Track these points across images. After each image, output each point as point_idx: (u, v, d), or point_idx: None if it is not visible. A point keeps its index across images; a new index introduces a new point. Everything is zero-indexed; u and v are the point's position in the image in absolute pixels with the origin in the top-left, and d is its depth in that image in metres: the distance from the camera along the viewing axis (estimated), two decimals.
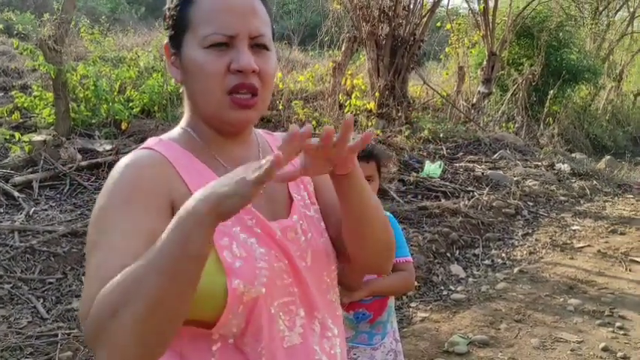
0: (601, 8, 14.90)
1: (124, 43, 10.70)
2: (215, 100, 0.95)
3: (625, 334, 3.61)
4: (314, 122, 7.91)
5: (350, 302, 1.80)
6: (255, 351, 0.91)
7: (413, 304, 4.01)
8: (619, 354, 3.33)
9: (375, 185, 1.90)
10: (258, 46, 0.97)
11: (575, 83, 12.03)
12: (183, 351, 0.92)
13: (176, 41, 0.99)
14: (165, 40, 1.03)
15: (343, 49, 9.34)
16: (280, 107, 8.07)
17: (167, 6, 1.01)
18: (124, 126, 6.25)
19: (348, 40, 9.21)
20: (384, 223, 1.05)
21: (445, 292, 4.26)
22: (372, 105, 8.66)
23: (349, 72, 9.57)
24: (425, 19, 9.56)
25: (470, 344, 3.41)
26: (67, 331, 3.09)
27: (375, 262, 1.11)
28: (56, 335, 3.06)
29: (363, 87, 9.27)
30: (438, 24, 12.23)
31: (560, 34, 12.00)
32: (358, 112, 8.55)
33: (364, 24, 9.01)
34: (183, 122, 1.05)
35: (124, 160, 0.95)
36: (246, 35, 0.95)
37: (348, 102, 8.66)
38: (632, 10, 15.13)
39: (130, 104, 6.79)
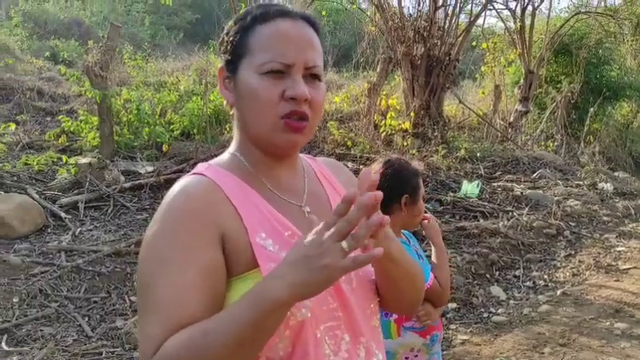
0: None
1: (164, 68, 11.03)
2: (268, 123, 0.99)
3: None
4: (349, 142, 7.96)
5: (428, 327, 1.93)
6: None
7: (452, 326, 3.95)
8: None
9: (401, 219, 1.91)
10: (312, 77, 1.00)
11: (617, 100, 11.74)
12: None
13: (232, 66, 1.03)
14: (221, 64, 1.06)
15: (378, 69, 9.38)
16: (316, 128, 8.13)
17: (225, 31, 1.06)
18: (165, 148, 6.43)
19: (383, 60, 9.25)
20: (415, 285, 1.10)
21: (485, 315, 4.18)
22: (407, 125, 8.65)
23: (384, 92, 9.60)
24: (460, 38, 9.53)
25: None
26: (111, 349, 3.16)
27: (401, 311, 1.21)
28: (100, 353, 3.13)
29: (398, 107, 9.27)
30: (474, 43, 12.17)
31: (600, 50, 11.76)
32: (394, 132, 8.55)
33: (399, 45, 9.05)
34: (232, 147, 1.08)
35: (174, 188, 0.98)
36: (302, 65, 0.98)
37: (383, 122, 8.67)
38: None
39: (171, 127, 6.98)
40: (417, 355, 1.94)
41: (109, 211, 4.96)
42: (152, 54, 12.53)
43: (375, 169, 1.99)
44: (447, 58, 9.24)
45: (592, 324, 3.99)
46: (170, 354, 0.85)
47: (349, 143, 7.96)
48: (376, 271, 1.05)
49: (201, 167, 1.04)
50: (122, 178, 5.46)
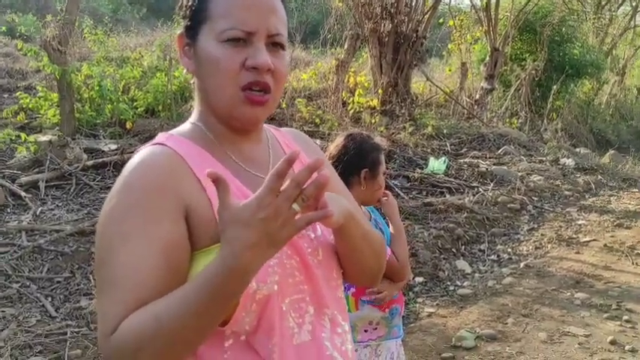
0: (603, 2, 14.85)
1: (127, 44, 10.71)
2: (228, 95, 0.95)
3: (632, 328, 3.60)
4: (317, 120, 7.93)
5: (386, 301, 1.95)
6: (266, 348, 0.91)
7: (420, 300, 4.01)
8: (627, 347, 3.33)
9: (361, 194, 1.89)
10: (274, 45, 0.96)
11: (579, 78, 11.99)
12: None
13: (191, 32, 0.98)
14: (180, 30, 1.01)
15: (346, 46, 9.33)
16: (284, 105, 8.08)
17: None
18: (128, 125, 6.27)
19: (351, 37, 9.21)
20: (376, 252, 1.10)
21: (452, 288, 4.27)
22: (375, 102, 8.66)
23: (352, 69, 9.56)
24: (427, 15, 9.54)
25: (477, 339, 3.41)
26: (76, 329, 3.11)
27: (364, 281, 1.19)
28: (65, 333, 3.08)
29: (366, 84, 9.26)
30: (440, 20, 12.20)
31: (563, 28, 11.94)
32: (362, 109, 8.55)
33: (366, 21, 9.00)
34: (193, 117, 1.04)
35: (134, 160, 0.94)
36: (265, 33, 0.95)
37: (351, 99, 8.65)
38: (634, 4, 15.07)
39: (135, 104, 6.81)
40: (375, 328, 1.96)
41: (71, 190, 4.83)
42: (114, 29, 12.15)
43: (337, 142, 1.98)
44: (415, 35, 9.25)
45: (553, 295, 4.11)
46: (127, 334, 0.82)
47: (317, 120, 7.92)
48: (336, 240, 1.04)
49: (162, 137, 0.99)
50: (84, 156, 5.31)
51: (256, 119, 0.99)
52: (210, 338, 0.89)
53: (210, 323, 0.83)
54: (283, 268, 0.94)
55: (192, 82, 1.03)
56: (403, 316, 3.64)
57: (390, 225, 2.02)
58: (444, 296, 4.11)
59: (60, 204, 4.63)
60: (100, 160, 5.32)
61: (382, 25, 9.00)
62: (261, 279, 0.89)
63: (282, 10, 0.98)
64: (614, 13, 15.05)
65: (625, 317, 3.72)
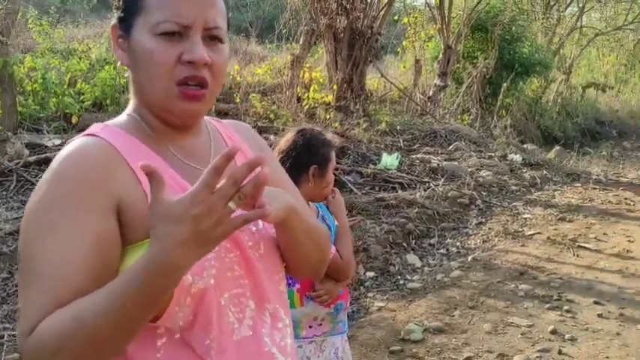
0: (552, 3, 15.32)
1: (74, 35, 10.35)
2: (162, 90, 0.92)
3: (572, 317, 3.75)
4: (272, 115, 7.88)
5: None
6: (202, 344, 0.89)
7: (370, 294, 4.05)
8: (567, 336, 3.46)
9: (309, 190, 1.88)
10: (212, 39, 0.94)
11: (527, 76, 12.31)
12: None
13: (125, 23, 0.95)
14: (114, 21, 0.97)
15: (301, 42, 9.32)
16: (238, 100, 8.00)
17: None
18: (74, 120, 6.07)
19: (306, 33, 9.20)
20: (319, 245, 1.09)
21: (402, 282, 4.32)
22: (330, 98, 8.68)
23: (307, 65, 9.55)
24: (382, 12, 9.62)
25: (425, 331, 3.47)
26: (13, 332, 2.99)
27: (307, 274, 1.20)
28: (2, 337, 2.96)
29: (321, 80, 9.27)
30: (395, 18, 12.34)
31: (513, 28, 12.25)
32: (316, 105, 8.56)
33: (322, 17, 9.00)
34: (129, 108, 1.01)
35: (65, 150, 0.91)
36: (201, 26, 0.92)
37: (306, 95, 8.65)
38: (581, 5, 15.61)
39: (81, 97, 6.59)
40: (320, 324, 1.96)
41: (11, 187, 4.64)
42: (61, 20, 11.73)
43: (288, 137, 1.97)
44: (370, 32, 9.32)
45: (499, 287, 4.23)
46: (46, 333, 0.78)
47: (272, 116, 7.89)
48: (278, 234, 1.02)
49: (96, 128, 0.95)
50: (26, 151, 5.11)
51: (195, 113, 0.97)
52: (140, 337, 0.85)
53: (137, 320, 0.80)
54: (221, 262, 0.92)
55: (126, 75, 1.00)
56: (353, 311, 3.70)
57: (335, 222, 2.02)
58: (394, 290, 4.17)
59: None
60: (43, 155, 5.13)
61: (337, 21, 9.02)
62: (196, 272, 0.86)
63: (221, 2, 0.96)
64: (562, 14, 15.55)
65: (565, 307, 3.86)
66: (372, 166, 6.71)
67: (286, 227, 0.99)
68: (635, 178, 8.91)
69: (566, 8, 15.94)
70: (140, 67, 0.94)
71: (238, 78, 8.82)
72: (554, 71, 13.88)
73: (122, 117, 1.00)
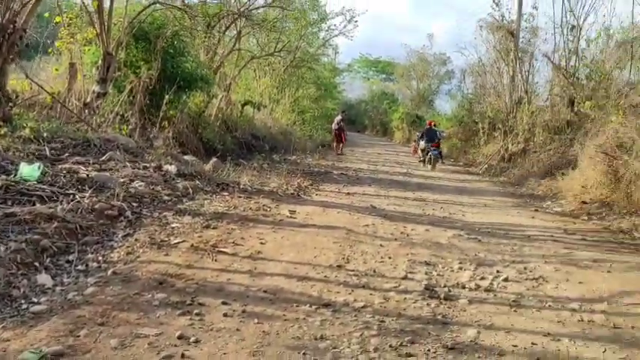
0: (213, 23, 16.35)
1: None
2: None
3: (201, 320, 3.94)
4: None
5: None
6: None
7: None
8: (192, 339, 3.60)
9: None
10: None
11: (190, 90, 12.84)
12: None
13: None
14: None
15: None
16: None
17: None
18: None
19: None
20: None
21: (25, 306, 3.90)
22: None
23: None
24: (29, 6, 8.67)
25: (42, 358, 3.18)
26: None
27: None
28: None
29: None
30: (46, 14, 11.28)
31: (176, 42, 12.60)
32: None
33: None
34: None
35: None
36: None
37: None
38: (238, 29, 17.11)
39: None
40: None
41: None
42: None
43: None
44: (12, 27, 8.33)
45: (135, 299, 4.18)
46: None
47: None
48: None
49: None
50: None
51: None
52: None
53: None
54: None
55: None
56: None
57: None
58: (13, 317, 3.72)
59: None
60: None
61: None
62: None
63: None
64: (221, 35, 16.74)
65: (196, 311, 4.04)
66: (4, 177, 5.91)
67: None
68: (276, 186, 10.16)
69: (225, 30, 17.24)
70: None
71: None
72: (215, 88, 14.82)
73: None
